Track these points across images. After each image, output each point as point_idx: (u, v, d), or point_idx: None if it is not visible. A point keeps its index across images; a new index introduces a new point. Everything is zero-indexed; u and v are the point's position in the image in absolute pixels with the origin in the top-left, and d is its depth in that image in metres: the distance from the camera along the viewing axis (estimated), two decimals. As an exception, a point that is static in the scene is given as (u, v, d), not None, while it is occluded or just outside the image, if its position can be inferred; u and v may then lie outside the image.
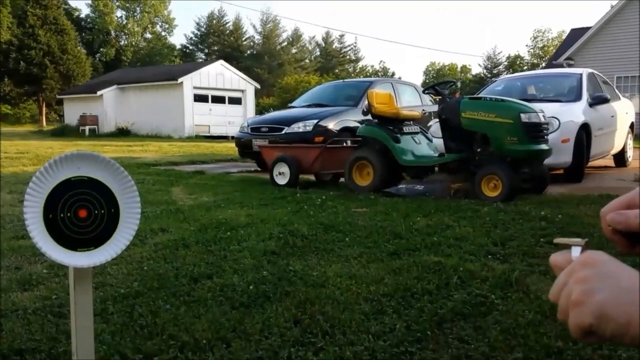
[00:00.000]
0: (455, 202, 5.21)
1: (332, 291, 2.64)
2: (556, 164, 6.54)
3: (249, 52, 58.73)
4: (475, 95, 6.41)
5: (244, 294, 2.61)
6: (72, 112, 27.26)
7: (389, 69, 66.58)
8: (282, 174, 6.76)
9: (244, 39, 59.72)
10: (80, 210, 1.41)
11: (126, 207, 1.47)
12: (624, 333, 0.49)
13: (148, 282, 2.81)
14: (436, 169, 6.26)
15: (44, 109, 39.11)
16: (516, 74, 10.85)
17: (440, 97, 5.93)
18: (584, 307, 0.52)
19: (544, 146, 5.55)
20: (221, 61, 28.40)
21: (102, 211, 1.44)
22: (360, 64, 63.98)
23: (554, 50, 34.90)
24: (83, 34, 52.60)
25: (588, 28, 21.68)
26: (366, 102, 6.74)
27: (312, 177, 7.50)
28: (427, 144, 6.48)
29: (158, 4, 57.89)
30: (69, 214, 1.40)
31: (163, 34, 60.48)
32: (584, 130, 6.95)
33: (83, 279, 1.45)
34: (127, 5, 57.33)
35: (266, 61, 54.98)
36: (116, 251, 1.46)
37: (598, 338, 0.52)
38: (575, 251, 0.58)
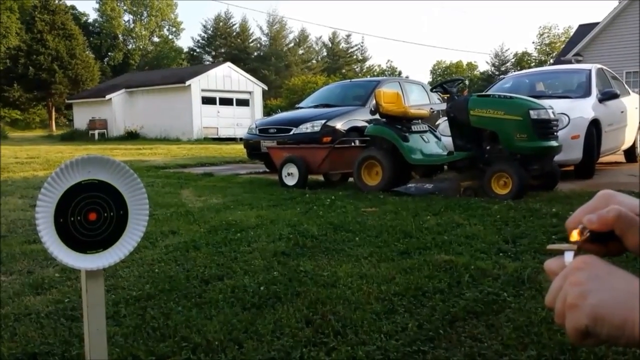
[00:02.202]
0: (465, 200, 5.19)
1: (343, 291, 2.64)
2: (566, 160, 6.50)
3: (255, 53, 58.83)
4: (483, 93, 6.38)
5: (255, 295, 2.61)
6: (82, 116, 27.44)
7: (396, 68, 66.53)
8: (290, 175, 6.76)
9: (250, 40, 59.84)
10: (90, 214, 1.41)
11: (135, 208, 1.48)
12: (619, 334, 0.50)
13: (159, 284, 2.82)
14: (445, 167, 6.24)
15: (53, 113, 39.37)
16: (524, 71, 10.79)
17: (448, 95, 5.91)
18: (579, 309, 0.52)
19: (553, 143, 5.52)
20: (228, 63, 28.46)
21: (112, 213, 1.44)
22: (367, 64, 64.02)
23: (562, 47, 34.70)
24: (91, 39, 52.91)
25: (596, 24, 21.53)
26: (374, 101, 6.72)
27: (320, 178, 7.49)
28: (436, 143, 6.46)
29: (165, 7, 58.15)
30: (79, 218, 1.40)
31: (170, 37, 60.77)
32: (594, 126, 6.90)
33: (95, 281, 1.46)
34: (134, 9, 57.64)
35: (273, 62, 55.07)
36: (124, 253, 1.46)
37: (595, 340, 0.52)
38: (568, 256, 0.59)
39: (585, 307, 0.52)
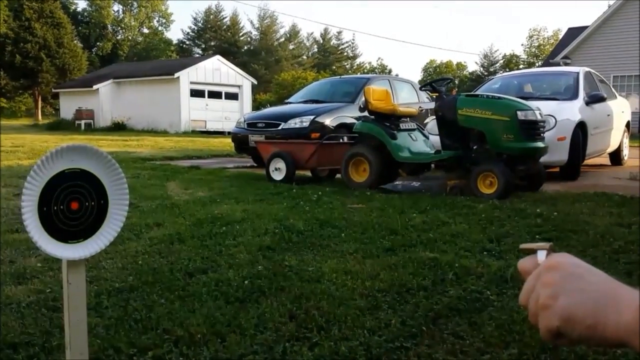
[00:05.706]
0: (451, 198, 5.21)
1: (327, 286, 2.64)
2: (552, 161, 6.55)
3: (246, 47, 58.56)
4: (472, 93, 6.40)
5: (239, 289, 2.60)
6: (68, 106, 27.15)
7: (386, 66, 66.59)
8: (278, 170, 6.74)
9: (241, 34, 59.54)
10: (73, 203, 1.40)
11: (115, 198, 1.47)
12: (591, 334, 0.50)
13: (143, 276, 2.80)
14: (432, 165, 6.26)
15: (39, 102, 38.88)
16: (513, 72, 10.85)
17: (437, 94, 5.92)
18: (551, 310, 0.52)
19: (540, 144, 5.56)
20: (218, 56, 28.30)
21: (92, 203, 1.43)
22: (357, 61, 64.02)
23: (550, 49, 34.93)
24: (79, 28, 52.31)
25: (585, 27, 21.70)
26: (363, 98, 6.72)
27: (308, 173, 7.48)
28: (424, 141, 6.47)
29: (155, -1, 57.69)
30: (62, 207, 1.39)
31: (160, 28, 60.29)
32: (580, 129, 6.96)
33: (76, 271, 1.44)
34: (124, -1, 57.11)
35: (263, 57, 54.86)
36: (105, 243, 1.45)
37: (568, 341, 0.52)
38: (541, 255, 0.58)
39: (557, 307, 0.51)
